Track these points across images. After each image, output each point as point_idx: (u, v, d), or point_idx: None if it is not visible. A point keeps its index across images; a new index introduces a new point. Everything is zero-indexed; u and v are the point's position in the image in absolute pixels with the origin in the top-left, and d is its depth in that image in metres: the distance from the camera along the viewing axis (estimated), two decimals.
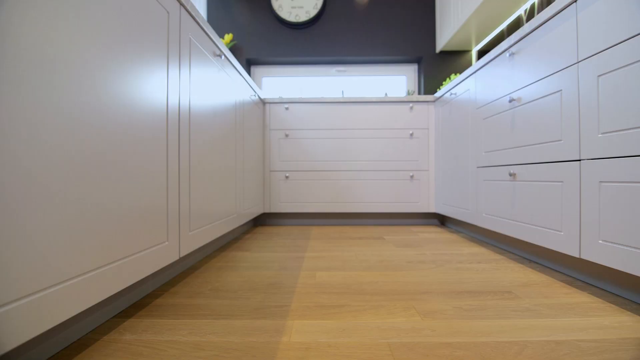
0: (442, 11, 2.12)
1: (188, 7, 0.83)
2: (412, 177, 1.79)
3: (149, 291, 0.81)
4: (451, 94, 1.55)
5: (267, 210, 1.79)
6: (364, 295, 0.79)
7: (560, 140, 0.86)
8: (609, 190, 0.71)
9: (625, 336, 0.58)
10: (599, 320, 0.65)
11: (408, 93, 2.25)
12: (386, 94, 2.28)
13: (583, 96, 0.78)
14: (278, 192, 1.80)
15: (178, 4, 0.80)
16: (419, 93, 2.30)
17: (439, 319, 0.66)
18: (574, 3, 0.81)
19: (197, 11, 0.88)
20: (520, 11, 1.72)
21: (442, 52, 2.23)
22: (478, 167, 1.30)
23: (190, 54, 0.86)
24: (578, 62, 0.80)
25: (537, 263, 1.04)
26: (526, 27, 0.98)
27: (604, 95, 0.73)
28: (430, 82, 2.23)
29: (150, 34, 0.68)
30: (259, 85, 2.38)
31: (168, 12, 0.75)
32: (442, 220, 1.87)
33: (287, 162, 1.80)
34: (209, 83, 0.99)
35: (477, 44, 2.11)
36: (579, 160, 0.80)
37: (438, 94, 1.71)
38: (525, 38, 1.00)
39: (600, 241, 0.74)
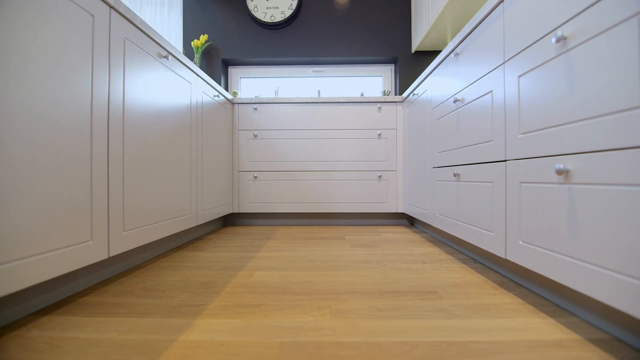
0: (416, 11, 2.12)
1: (120, 10, 0.84)
2: (380, 177, 1.79)
3: (80, 289, 0.82)
4: (413, 94, 1.55)
5: (235, 211, 1.81)
6: (288, 295, 0.79)
7: (491, 140, 0.85)
8: (527, 190, 0.71)
9: (523, 338, 0.58)
10: (507, 321, 0.65)
11: (384, 93, 2.25)
12: (362, 94, 2.28)
13: (508, 97, 0.78)
14: (247, 193, 1.81)
15: (107, 7, 0.81)
16: (396, 93, 2.30)
17: (348, 318, 0.66)
18: (502, 3, 0.81)
19: (133, 13, 0.89)
20: None
21: (418, 53, 2.22)
22: (433, 168, 1.29)
23: (124, 55, 0.87)
24: (504, 63, 0.80)
25: (481, 264, 1.04)
26: (466, 27, 0.98)
27: (524, 95, 0.72)
28: (406, 83, 2.23)
29: (72, 38, 0.69)
30: (237, 86, 2.39)
31: (93, 16, 0.76)
32: (411, 221, 1.87)
33: (255, 162, 1.81)
34: (153, 83, 1.01)
35: None
36: (505, 160, 0.79)
37: (405, 94, 1.71)
38: (466, 38, 1.00)
39: (520, 242, 0.74)
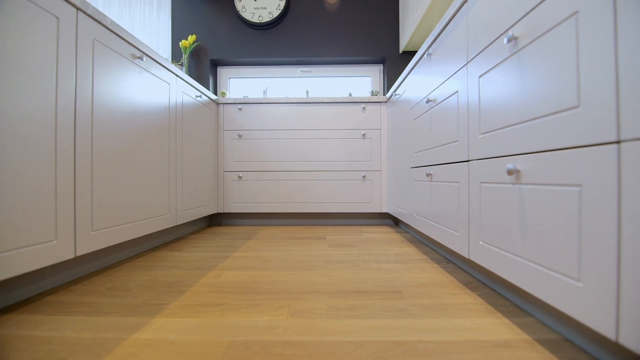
0: (404, 11, 2.12)
1: (88, 11, 0.85)
2: (364, 177, 1.79)
3: (47, 288, 0.83)
4: (395, 94, 1.55)
5: (220, 211, 1.81)
6: (252, 295, 0.80)
7: (457, 141, 0.85)
8: (486, 191, 0.71)
9: (473, 338, 0.58)
10: (462, 321, 0.65)
11: (372, 93, 2.25)
12: (350, 94, 2.28)
13: (471, 97, 0.78)
14: (232, 193, 1.82)
15: (74, 9, 0.82)
16: (384, 94, 2.30)
17: (304, 317, 0.67)
18: (465, 3, 0.81)
19: (102, 14, 0.90)
20: None
21: (405, 53, 2.22)
22: (411, 168, 1.29)
23: (93, 56, 0.88)
24: (467, 63, 0.80)
25: (453, 264, 1.04)
26: (437, 27, 0.98)
27: (483, 96, 0.72)
28: (394, 83, 2.22)
29: (33, 40, 0.70)
30: (227, 86, 2.40)
31: (57, 18, 0.77)
32: (396, 221, 1.87)
33: (240, 162, 1.82)
34: (126, 84, 1.01)
35: None
36: (468, 161, 0.80)
37: (388, 94, 1.71)
38: (437, 39, 1.00)
39: (480, 242, 0.74)
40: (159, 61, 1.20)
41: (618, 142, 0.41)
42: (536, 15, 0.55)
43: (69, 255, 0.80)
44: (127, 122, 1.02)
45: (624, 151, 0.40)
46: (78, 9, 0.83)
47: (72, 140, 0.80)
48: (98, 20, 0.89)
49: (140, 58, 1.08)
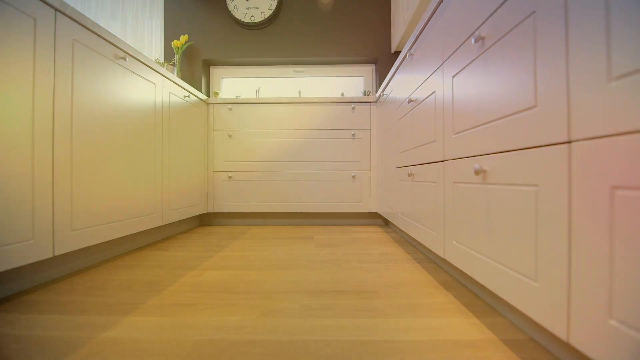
0: (395, 11, 2.12)
1: (67, 12, 0.86)
2: (354, 177, 1.79)
3: (27, 287, 0.84)
4: (383, 94, 1.55)
5: (210, 210, 1.82)
6: (229, 294, 0.80)
7: (434, 141, 0.85)
8: (459, 190, 0.71)
9: (438, 338, 0.58)
10: (431, 321, 0.65)
11: (365, 93, 2.25)
12: (343, 94, 2.28)
13: (446, 97, 0.78)
14: (222, 193, 1.82)
15: (52, 10, 0.82)
16: (376, 94, 2.29)
17: (276, 317, 0.67)
18: (441, 3, 0.81)
19: (82, 15, 0.91)
20: None
21: (397, 52, 2.22)
22: (397, 168, 1.29)
23: (73, 57, 0.88)
24: (443, 63, 0.80)
25: (435, 263, 1.04)
26: (417, 27, 0.98)
27: (456, 96, 0.72)
28: None
29: (7, 41, 0.70)
30: (219, 87, 2.40)
31: (35, 19, 0.77)
32: (386, 221, 1.87)
33: (230, 162, 1.82)
34: (109, 84, 1.02)
35: None
36: (443, 161, 0.80)
37: (377, 94, 1.71)
38: (418, 38, 1.00)
39: (454, 242, 0.74)
40: (144, 61, 1.21)
41: (569, 142, 0.41)
42: (500, 14, 0.55)
43: (47, 254, 0.80)
44: (110, 122, 1.03)
45: (574, 151, 0.40)
46: (56, 9, 0.83)
47: (50, 140, 0.81)
48: (78, 21, 0.89)
49: (124, 59, 1.08)
